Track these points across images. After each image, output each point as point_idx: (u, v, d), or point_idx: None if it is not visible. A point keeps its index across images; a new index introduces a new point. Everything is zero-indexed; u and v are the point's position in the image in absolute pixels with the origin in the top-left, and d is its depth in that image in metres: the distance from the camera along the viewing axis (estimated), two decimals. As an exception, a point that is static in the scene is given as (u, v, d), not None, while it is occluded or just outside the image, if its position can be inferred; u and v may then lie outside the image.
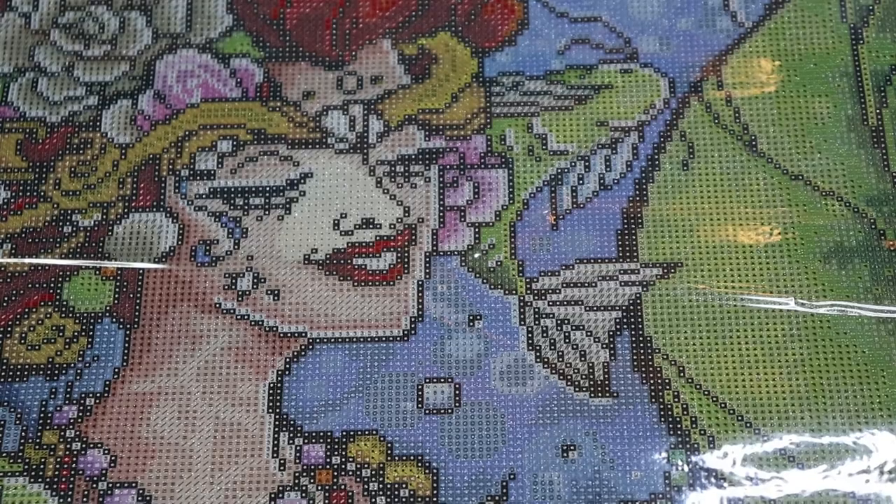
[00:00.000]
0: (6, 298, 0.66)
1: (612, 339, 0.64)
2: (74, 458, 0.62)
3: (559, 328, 0.64)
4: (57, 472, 0.62)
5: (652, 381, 0.63)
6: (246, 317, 0.65)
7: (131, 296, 0.66)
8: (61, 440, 0.63)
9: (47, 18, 0.73)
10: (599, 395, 0.63)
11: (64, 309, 0.66)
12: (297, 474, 0.62)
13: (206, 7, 0.73)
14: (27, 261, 0.67)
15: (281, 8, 0.73)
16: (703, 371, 0.63)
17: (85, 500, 0.61)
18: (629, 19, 0.72)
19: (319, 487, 0.61)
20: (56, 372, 0.64)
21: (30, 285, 0.66)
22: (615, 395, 0.63)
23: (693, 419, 0.62)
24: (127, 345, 0.65)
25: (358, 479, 0.61)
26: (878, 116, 0.68)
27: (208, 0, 0.74)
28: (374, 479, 0.61)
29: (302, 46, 0.72)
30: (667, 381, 0.63)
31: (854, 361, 0.63)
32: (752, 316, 0.64)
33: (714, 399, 0.62)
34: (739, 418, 0.62)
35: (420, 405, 0.63)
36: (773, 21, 0.71)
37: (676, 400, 0.62)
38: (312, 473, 0.62)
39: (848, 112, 0.69)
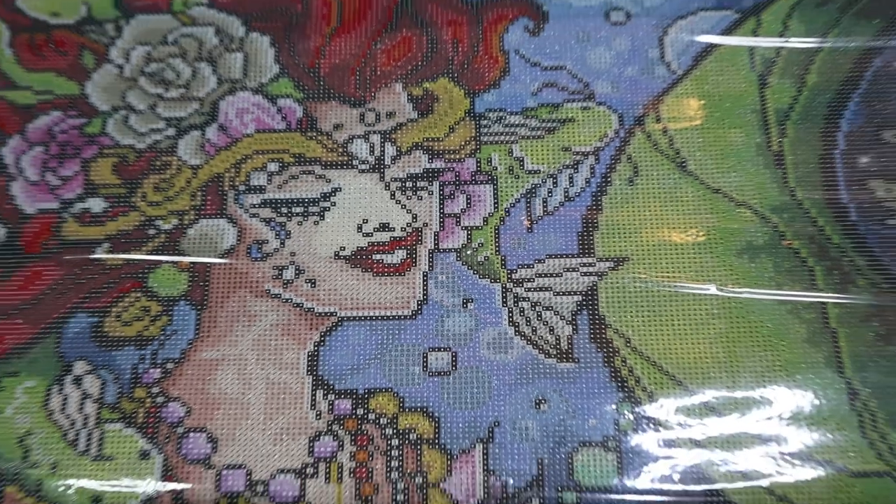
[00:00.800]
0: (105, 286, 0.69)
1: (574, 317, 0.66)
2: (158, 409, 0.65)
3: (533, 309, 0.67)
4: (145, 420, 0.65)
5: (605, 350, 0.65)
6: (289, 300, 0.68)
7: (201, 284, 0.69)
8: (148, 395, 0.66)
9: (136, 69, 0.76)
10: (564, 360, 0.65)
11: (149, 294, 0.68)
12: (329, 422, 0.64)
13: (258, 59, 0.76)
14: (121, 256, 0.70)
15: (316, 59, 0.76)
16: (645, 342, 0.65)
17: (167, 441, 0.64)
18: (587, 68, 0.74)
19: (347, 432, 0.64)
20: (144, 343, 0.67)
21: (123, 276, 0.69)
22: (576, 360, 0.65)
23: (637, 379, 0.64)
24: (198, 322, 0.68)
25: (377, 426, 0.64)
26: (780, 144, 0.71)
27: (260, 53, 0.76)
28: (389, 425, 0.64)
29: (332, 89, 0.75)
30: (616, 349, 0.65)
31: (760, 334, 0.65)
32: (683, 299, 0.66)
33: (653, 363, 0.65)
34: (672, 378, 0.64)
35: (425, 369, 0.66)
36: (698, 70, 0.74)
37: (624, 364, 0.65)
38: (342, 422, 0.64)
39: (756, 140, 0.71)
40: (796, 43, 0.74)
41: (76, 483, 0.63)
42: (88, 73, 0.76)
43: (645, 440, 0.63)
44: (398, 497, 0.62)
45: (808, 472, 0.62)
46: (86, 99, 0.75)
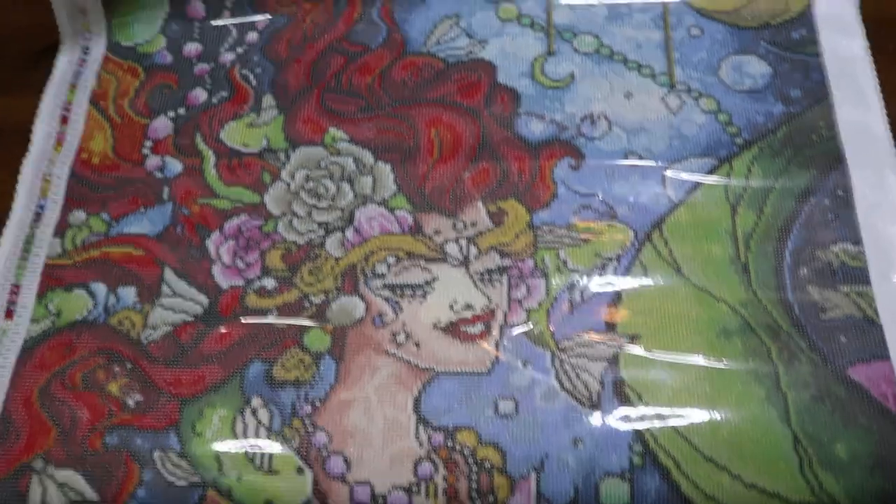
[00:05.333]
0: (274, 342, 0.57)
1: (602, 378, 0.54)
2: (309, 436, 0.53)
3: (573, 370, 0.55)
4: (300, 444, 0.53)
5: (622, 400, 0.53)
6: (401, 357, 0.56)
7: (340, 343, 0.57)
8: (302, 425, 0.54)
9: (298, 185, 0.64)
10: (594, 409, 0.53)
11: (304, 349, 0.57)
12: (428, 451, 0.52)
13: (381, 180, 0.63)
14: (284, 321, 0.58)
15: (423, 182, 0.63)
16: (652, 397, 0.53)
17: (315, 460, 0.52)
18: (612, 196, 0.61)
19: (440, 459, 0.52)
20: (299, 385, 0.55)
21: (286, 335, 0.57)
22: (603, 409, 0.53)
23: (643, 417, 0.52)
24: (337, 371, 0.55)
25: (461, 455, 0.52)
26: (745, 256, 0.58)
27: (384, 176, 0.64)
28: (470, 456, 0.52)
29: (433, 203, 0.62)
30: (630, 399, 0.53)
31: (733, 393, 0.53)
32: (679, 366, 0.54)
33: (657, 413, 0.52)
34: (672, 427, 0.52)
35: (496, 412, 0.53)
36: (689, 200, 0.60)
37: (635, 409, 0.53)
38: (437, 450, 0.52)
39: (729, 253, 0.58)
40: (757, 183, 0.61)
41: (255, 489, 0.52)
42: (266, 187, 0.64)
43: (648, 474, 0.51)
44: (477, 512, 0.51)
45: (755, 497, 0.50)
46: (264, 206, 0.63)
